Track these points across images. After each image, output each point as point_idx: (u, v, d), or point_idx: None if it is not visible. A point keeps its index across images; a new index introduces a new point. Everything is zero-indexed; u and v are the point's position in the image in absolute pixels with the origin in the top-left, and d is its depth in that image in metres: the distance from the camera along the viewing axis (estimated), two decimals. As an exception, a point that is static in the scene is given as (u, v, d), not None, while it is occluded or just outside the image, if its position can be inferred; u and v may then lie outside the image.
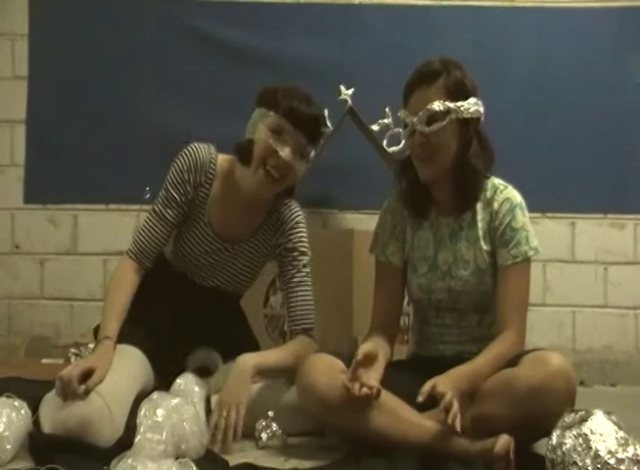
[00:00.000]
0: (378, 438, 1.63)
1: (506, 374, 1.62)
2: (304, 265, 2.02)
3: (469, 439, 1.57)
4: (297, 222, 2.04)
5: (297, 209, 2.08)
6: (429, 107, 1.74)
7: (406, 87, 1.81)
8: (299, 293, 2.00)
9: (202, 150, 1.99)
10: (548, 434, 1.47)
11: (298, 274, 2.01)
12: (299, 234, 2.03)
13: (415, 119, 1.76)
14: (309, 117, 1.91)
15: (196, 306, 2.02)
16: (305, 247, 2.03)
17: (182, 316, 2.00)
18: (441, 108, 1.74)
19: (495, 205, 1.81)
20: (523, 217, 1.80)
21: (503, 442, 1.50)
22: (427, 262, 1.87)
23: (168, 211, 1.97)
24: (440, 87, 1.76)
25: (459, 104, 1.76)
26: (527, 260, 1.78)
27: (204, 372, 1.98)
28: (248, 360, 1.83)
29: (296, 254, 2.02)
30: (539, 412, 1.54)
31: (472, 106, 1.78)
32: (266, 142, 1.89)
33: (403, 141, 1.90)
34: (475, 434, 1.57)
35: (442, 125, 1.75)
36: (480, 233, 1.82)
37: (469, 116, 1.77)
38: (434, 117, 1.75)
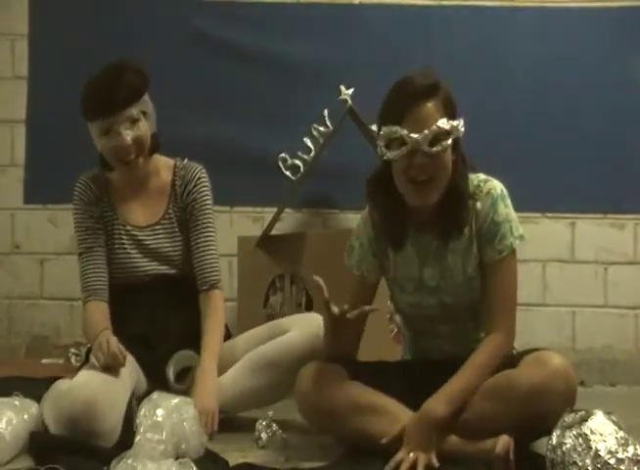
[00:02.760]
0: (376, 442, 1.60)
1: (506, 375, 1.61)
2: (208, 220, 2.10)
3: (468, 440, 1.57)
4: (198, 178, 2.12)
5: (196, 166, 2.15)
6: (437, 125, 1.61)
7: (398, 101, 1.65)
8: (206, 246, 2.09)
9: (81, 178, 2.13)
10: (548, 433, 1.47)
11: (203, 229, 2.09)
12: (201, 189, 2.12)
13: (419, 137, 1.61)
14: (104, 98, 1.94)
15: (161, 303, 2.05)
16: (208, 200, 2.12)
17: (156, 317, 2.03)
18: (447, 127, 1.62)
19: (478, 205, 1.71)
20: (505, 208, 1.70)
21: (503, 442, 1.50)
22: (413, 281, 1.78)
23: (91, 240, 2.04)
24: (439, 103, 1.64)
25: (456, 122, 1.65)
26: (513, 252, 1.70)
27: (186, 372, 1.99)
28: (208, 402, 1.85)
29: (199, 208, 2.10)
30: (539, 412, 1.54)
31: (461, 126, 1.67)
32: (107, 147, 2.00)
33: (385, 166, 1.70)
34: (474, 434, 1.57)
35: (447, 146, 1.63)
36: (467, 241, 1.73)
37: (460, 134, 1.67)
38: (438, 137, 1.62)
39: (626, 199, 3.16)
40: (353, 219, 3.16)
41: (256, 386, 1.90)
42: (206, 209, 2.12)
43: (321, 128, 2.74)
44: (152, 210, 2.10)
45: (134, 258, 2.07)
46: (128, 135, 1.96)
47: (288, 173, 2.78)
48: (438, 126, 1.61)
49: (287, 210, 3.06)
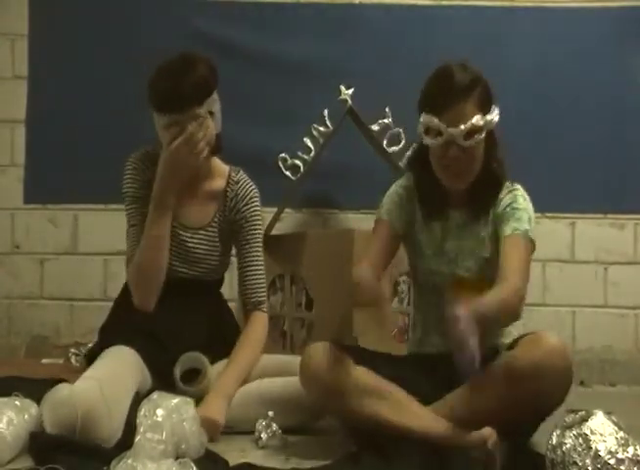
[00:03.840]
0: (381, 427, 1.66)
1: (503, 357, 1.65)
2: (257, 241, 2.11)
3: (465, 424, 1.60)
4: (250, 198, 2.12)
5: (249, 183, 2.14)
6: (472, 122, 1.74)
7: (438, 94, 1.77)
8: (252, 267, 2.09)
9: (135, 154, 2.06)
10: (549, 413, 1.51)
11: (251, 249, 2.10)
12: (253, 209, 2.11)
13: (455, 132, 1.74)
14: (172, 95, 1.89)
15: (179, 304, 2.02)
16: (258, 221, 2.13)
17: (171, 317, 2.00)
18: (481, 123, 1.75)
19: (501, 195, 1.86)
20: (524, 202, 1.84)
21: (485, 434, 1.53)
22: (433, 246, 1.89)
23: (143, 208, 1.97)
24: (476, 100, 1.76)
25: (489, 117, 1.78)
26: (529, 240, 1.78)
27: (193, 374, 1.98)
28: (215, 415, 1.83)
29: (248, 229, 2.10)
30: (539, 391, 1.57)
31: (496, 116, 1.81)
32: (166, 139, 1.92)
33: (424, 145, 1.84)
34: (474, 417, 1.60)
35: (480, 139, 1.77)
36: (485, 225, 1.85)
37: (494, 124, 1.80)
38: (472, 132, 1.75)
39: (626, 199, 3.16)
40: (353, 219, 3.17)
41: (260, 414, 1.87)
42: (257, 229, 2.12)
43: (321, 128, 2.74)
44: (200, 213, 2.08)
45: (172, 257, 2.03)
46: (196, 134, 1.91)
47: (288, 173, 2.78)
48: (473, 123, 1.74)
49: (287, 210, 3.06)
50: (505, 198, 1.85)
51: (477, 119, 1.74)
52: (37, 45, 3.26)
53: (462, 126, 1.73)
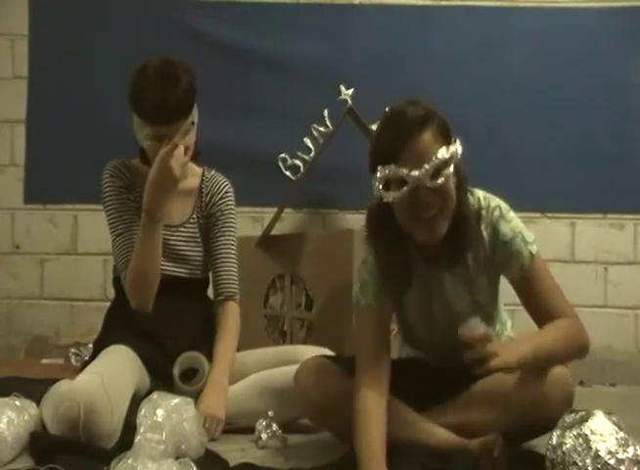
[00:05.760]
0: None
1: (500, 382, 1.59)
2: (230, 233, 2.14)
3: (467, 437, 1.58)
4: (225, 192, 2.17)
5: (223, 179, 2.20)
6: (437, 157, 1.50)
7: (392, 138, 1.52)
8: (226, 258, 2.12)
9: (112, 163, 2.10)
10: (548, 430, 1.48)
11: (226, 241, 2.13)
12: (228, 202, 2.16)
13: (420, 175, 1.50)
14: (162, 108, 1.91)
15: (172, 304, 2.03)
16: (232, 214, 2.16)
17: (166, 317, 2.01)
18: (447, 156, 1.52)
19: (484, 234, 1.64)
20: (507, 225, 1.63)
21: (488, 440, 1.51)
22: (423, 319, 1.74)
23: (129, 219, 2.02)
24: (435, 132, 1.52)
25: (453, 148, 1.54)
26: (534, 256, 1.64)
27: (191, 373, 1.99)
28: (215, 409, 1.86)
29: (223, 221, 2.13)
30: (535, 420, 1.55)
31: (459, 146, 1.57)
32: (153, 149, 1.95)
33: (380, 206, 1.59)
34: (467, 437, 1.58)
35: (449, 174, 1.53)
36: (474, 268, 1.66)
37: (459, 157, 1.56)
38: (440, 169, 1.51)
39: (626, 199, 3.16)
40: (353, 219, 3.17)
41: (262, 407, 1.88)
42: (230, 222, 2.15)
43: (321, 128, 2.74)
44: (177, 211, 2.10)
45: None
46: (180, 146, 1.92)
47: (288, 173, 2.78)
48: (438, 158, 1.51)
49: (287, 210, 3.06)
50: (488, 233, 1.64)
51: (441, 153, 1.51)
52: (37, 45, 3.26)
53: (426, 166, 1.50)
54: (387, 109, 1.60)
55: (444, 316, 1.71)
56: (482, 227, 1.64)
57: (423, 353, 1.85)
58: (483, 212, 1.65)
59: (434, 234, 1.56)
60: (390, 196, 1.54)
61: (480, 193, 1.68)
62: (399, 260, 1.64)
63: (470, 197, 1.65)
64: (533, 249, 1.64)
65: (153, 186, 1.90)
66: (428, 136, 1.51)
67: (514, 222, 1.65)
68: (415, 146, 1.50)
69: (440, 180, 1.51)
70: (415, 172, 1.50)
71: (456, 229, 1.59)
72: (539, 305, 1.64)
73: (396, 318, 1.82)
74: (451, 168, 1.53)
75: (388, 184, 1.54)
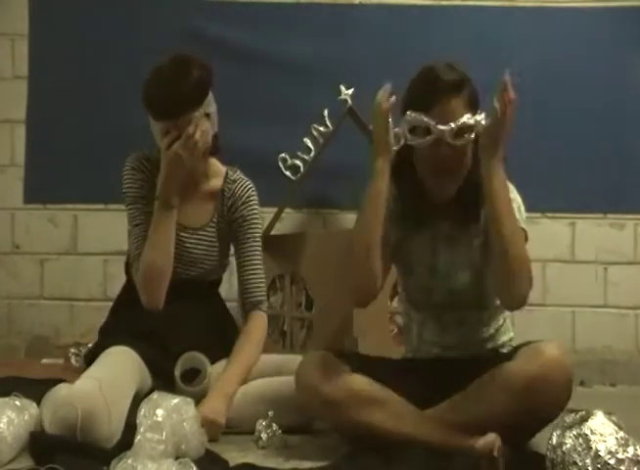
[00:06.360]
0: (377, 435, 1.64)
1: (501, 370, 1.62)
2: (256, 241, 2.11)
3: (461, 434, 1.59)
4: (248, 196, 2.13)
5: (247, 182, 2.15)
6: (463, 120, 1.66)
7: (428, 92, 1.68)
8: (251, 266, 2.10)
9: (134, 155, 2.08)
10: (547, 423, 1.50)
11: (251, 248, 2.11)
12: (251, 208, 2.12)
13: (445, 130, 1.65)
14: (166, 101, 1.91)
15: (179, 305, 2.01)
16: (257, 220, 2.13)
17: (171, 318, 2.00)
18: (472, 122, 1.67)
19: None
20: (511, 193, 1.72)
21: (488, 440, 1.52)
22: (425, 265, 1.80)
23: (145, 207, 2.00)
24: (466, 99, 1.68)
25: (479, 118, 1.68)
26: (525, 233, 1.69)
27: (193, 374, 1.98)
28: (216, 416, 1.84)
29: (247, 227, 2.10)
30: (537, 404, 1.56)
31: (483, 119, 1.70)
32: (163, 144, 1.94)
33: (406, 149, 1.73)
34: (471, 429, 1.58)
35: (470, 139, 1.68)
36: (478, 233, 1.76)
37: (481, 128, 1.69)
38: (463, 130, 1.66)
39: (626, 199, 3.16)
40: (353, 219, 3.15)
41: (261, 413, 1.87)
42: (256, 228, 2.13)
43: (321, 128, 2.74)
44: (198, 213, 2.09)
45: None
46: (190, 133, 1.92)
47: (288, 173, 2.78)
48: (464, 121, 1.66)
49: (287, 210, 3.06)
50: None
51: (467, 118, 1.66)
52: (37, 45, 3.26)
53: (452, 124, 1.65)
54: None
55: (445, 269, 1.78)
56: None
57: (418, 313, 1.86)
58: None
59: (447, 185, 1.72)
60: (414, 141, 1.68)
61: None
62: (414, 201, 1.77)
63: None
64: (522, 220, 1.72)
65: (164, 175, 1.92)
66: (459, 100, 1.67)
67: (515, 194, 1.77)
68: (447, 104, 1.66)
69: (461, 141, 1.66)
70: (441, 126, 1.64)
71: (467, 191, 1.72)
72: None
73: (398, 266, 1.87)
74: (472, 135, 1.66)
75: (414, 130, 1.69)
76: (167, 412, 1.56)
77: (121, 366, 1.84)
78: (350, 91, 2.75)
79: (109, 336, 2.01)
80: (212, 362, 2.00)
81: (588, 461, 1.34)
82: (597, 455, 1.33)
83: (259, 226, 2.15)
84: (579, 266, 3.16)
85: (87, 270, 3.20)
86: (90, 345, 2.40)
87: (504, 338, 1.84)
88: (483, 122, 1.68)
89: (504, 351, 1.81)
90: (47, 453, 1.52)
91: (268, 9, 3.23)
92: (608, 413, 1.41)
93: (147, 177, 2.03)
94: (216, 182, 2.12)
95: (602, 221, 3.17)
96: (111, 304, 2.16)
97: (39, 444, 1.59)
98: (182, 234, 2.05)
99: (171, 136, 1.92)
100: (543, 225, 3.14)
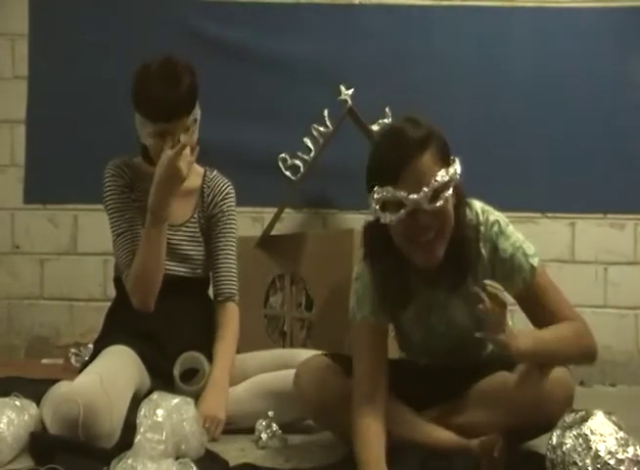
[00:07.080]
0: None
1: (503, 382, 1.61)
2: (230, 234, 2.14)
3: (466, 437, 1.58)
4: (227, 193, 2.17)
5: (225, 180, 2.19)
6: (437, 178, 1.46)
7: (391, 159, 1.48)
8: (226, 259, 2.12)
9: (113, 162, 2.10)
10: (545, 432, 1.48)
11: (227, 242, 2.13)
12: (229, 203, 2.16)
13: (419, 198, 1.45)
14: (165, 105, 1.92)
15: (173, 303, 2.02)
16: (233, 215, 2.16)
17: (167, 317, 2.01)
18: (446, 178, 1.47)
19: (483, 251, 1.61)
20: (507, 241, 1.60)
21: (488, 440, 1.51)
22: (421, 330, 1.72)
23: (130, 217, 2.02)
24: (435, 154, 1.48)
25: (452, 169, 1.50)
26: (537, 269, 1.62)
27: (192, 373, 1.99)
28: (216, 410, 1.87)
29: (225, 221, 2.14)
30: (535, 420, 1.55)
31: (459, 166, 1.53)
32: (157, 147, 1.97)
33: (379, 226, 1.54)
34: (470, 430, 1.58)
35: (448, 197, 1.49)
36: (471, 287, 1.55)
37: (458, 178, 1.52)
38: (438, 191, 1.47)
39: (626, 199, 3.16)
40: (353, 219, 3.17)
41: (262, 409, 1.88)
42: (230, 223, 2.15)
43: (321, 128, 2.74)
44: (180, 210, 2.10)
45: None
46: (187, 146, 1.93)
47: (288, 173, 2.78)
48: (437, 181, 1.47)
49: (287, 210, 3.06)
50: (487, 250, 1.60)
51: (441, 175, 1.47)
52: (37, 45, 3.26)
53: (425, 188, 1.45)
54: (383, 123, 1.59)
55: (442, 326, 1.69)
56: (481, 244, 1.61)
57: (420, 359, 1.83)
58: (482, 228, 1.61)
59: (433, 257, 1.52)
60: (387, 218, 1.50)
61: (477, 205, 1.64)
62: (397, 283, 1.61)
63: (468, 211, 1.61)
64: (535, 261, 1.62)
65: (160, 186, 1.91)
66: (427, 159, 1.47)
67: (513, 237, 1.62)
68: (414, 169, 1.47)
69: (439, 203, 1.47)
70: (413, 196, 1.46)
71: (455, 250, 1.55)
72: (545, 318, 1.62)
73: (393, 327, 1.81)
74: (450, 190, 1.49)
75: (385, 205, 1.50)
76: (167, 412, 1.56)
77: (120, 364, 1.84)
78: (350, 91, 2.75)
79: (105, 340, 1.99)
80: (209, 360, 2.01)
81: (588, 461, 1.33)
82: (597, 455, 1.33)
83: (235, 222, 2.18)
84: (579, 266, 3.16)
85: (87, 270, 3.20)
86: (90, 345, 2.40)
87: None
88: (459, 171, 1.52)
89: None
90: (47, 453, 1.52)
91: (268, 9, 3.23)
92: (608, 413, 1.41)
93: (127, 183, 2.06)
94: (195, 180, 2.14)
95: (602, 221, 3.17)
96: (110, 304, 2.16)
97: (39, 444, 1.59)
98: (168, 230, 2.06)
99: (167, 145, 1.92)
100: (543, 225, 3.14)
